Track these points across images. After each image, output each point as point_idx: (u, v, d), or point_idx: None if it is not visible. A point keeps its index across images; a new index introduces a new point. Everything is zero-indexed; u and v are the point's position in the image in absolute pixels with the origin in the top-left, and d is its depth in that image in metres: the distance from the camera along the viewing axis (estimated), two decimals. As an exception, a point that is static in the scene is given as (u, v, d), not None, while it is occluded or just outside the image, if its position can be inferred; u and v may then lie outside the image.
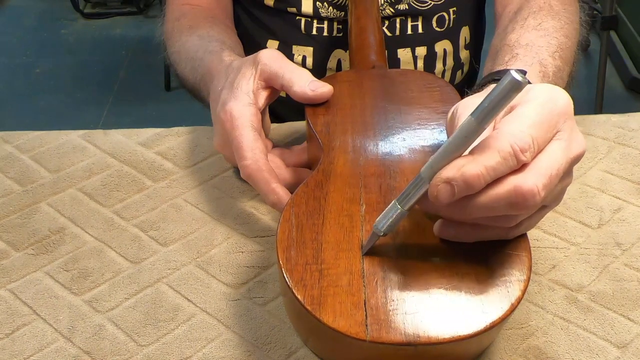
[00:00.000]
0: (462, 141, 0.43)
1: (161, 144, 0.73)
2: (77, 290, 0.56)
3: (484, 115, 0.41)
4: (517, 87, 0.40)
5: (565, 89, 0.66)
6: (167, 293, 0.56)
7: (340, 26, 0.84)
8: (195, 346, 0.52)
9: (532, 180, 0.43)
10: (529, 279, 0.47)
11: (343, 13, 0.83)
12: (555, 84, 0.63)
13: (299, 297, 0.45)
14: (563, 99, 0.46)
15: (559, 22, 0.71)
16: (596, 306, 0.54)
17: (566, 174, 0.46)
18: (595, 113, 1.69)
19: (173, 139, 0.73)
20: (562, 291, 0.56)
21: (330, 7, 0.83)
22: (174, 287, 0.56)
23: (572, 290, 0.56)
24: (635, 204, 0.64)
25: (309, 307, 0.45)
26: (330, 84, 0.64)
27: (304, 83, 0.61)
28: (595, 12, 2.33)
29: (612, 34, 2.45)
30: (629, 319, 0.53)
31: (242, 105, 0.59)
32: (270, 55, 0.62)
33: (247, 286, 0.56)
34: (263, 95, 0.62)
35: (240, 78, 0.61)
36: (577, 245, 0.60)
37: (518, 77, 0.40)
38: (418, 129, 0.59)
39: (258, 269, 0.58)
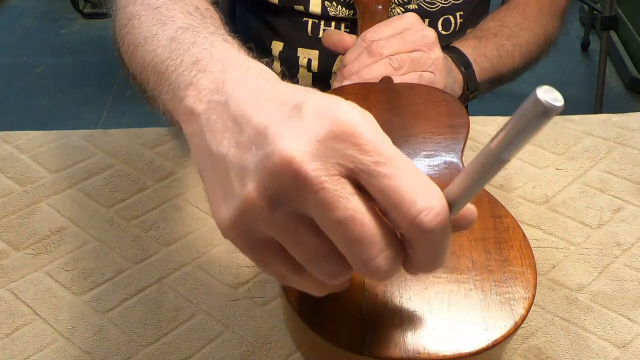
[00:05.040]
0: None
1: (161, 144, 0.73)
2: (77, 290, 0.56)
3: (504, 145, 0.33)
4: (542, 113, 0.30)
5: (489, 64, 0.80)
6: (167, 293, 0.56)
7: (348, 30, 0.83)
8: (195, 346, 0.52)
9: None
10: (533, 297, 0.46)
11: (352, 12, 0.83)
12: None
13: (296, 308, 0.45)
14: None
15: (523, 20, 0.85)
16: (596, 306, 0.54)
17: None
18: (595, 113, 1.69)
19: (173, 139, 0.73)
20: (562, 291, 0.56)
21: (339, 6, 0.83)
22: (174, 287, 0.56)
23: (572, 290, 0.56)
24: (635, 204, 0.64)
25: (306, 319, 0.44)
26: (336, 95, 0.63)
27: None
28: (595, 12, 2.33)
29: (612, 34, 2.45)
30: (629, 319, 0.53)
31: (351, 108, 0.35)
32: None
33: (247, 286, 0.56)
34: None
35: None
36: (577, 245, 0.60)
37: (544, 98, 0.30)
38: (423, 142, 0.59)
39: (258, 269, 0.58)
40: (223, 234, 0.37)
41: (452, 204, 0.35)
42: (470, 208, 0.37)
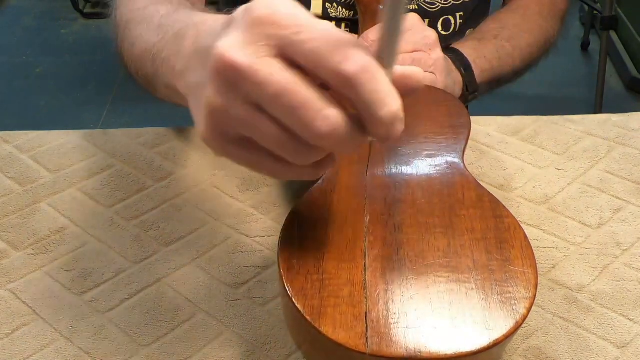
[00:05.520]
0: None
1: (161, 144, 0.73)
2: (77, 290, 0.56)
3: None
4: None
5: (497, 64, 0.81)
6: (167, 293, 0.56)
7: (349, 30, 0.83)
8: (195, 346, 0.52)
9: None
10: (534, 296, 0.46)
11: (352, 13, 0.83)
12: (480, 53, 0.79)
13: (298, 306, 0.45)
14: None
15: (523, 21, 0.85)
16: (596, 306, 0.54)
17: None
18: (595, 113, 1.70)
19: (173, 139, 0.73)
20: (562, 291, 0.56)
21: (340, 7, 0.83)
22: (174, 287, 0.56)
23: (572, 290, 0.56)
24: (635, 204, 0.64)
25: (308, 317, 0.44)
26: None
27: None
28: (595, 12, 2.33)
29: (612, 34, 2.45)
30: (629, 319, 0.53)
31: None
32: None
33: (247, 286, 0.56)
34: None
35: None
36: (577, 245, 0.60)
37: None
38: (425, 142, 0.59)
39: (258, 269, 0.58)
40: (208, 146, 0.42)
41: (382, 56, 0.38)
42: (414, 68, 0.40)
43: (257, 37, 0.36)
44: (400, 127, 0.39)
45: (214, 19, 0.44)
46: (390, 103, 0.37)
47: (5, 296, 0.56)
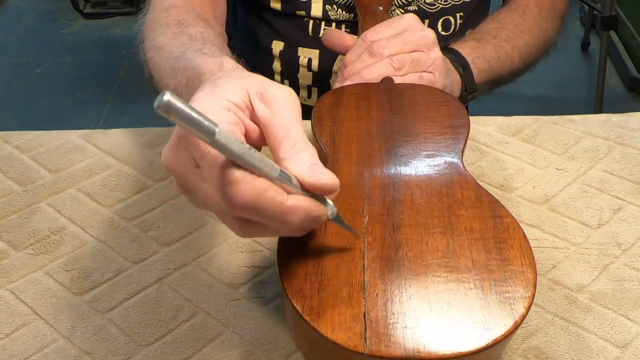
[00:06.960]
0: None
1: (161, 144, 0.73)
2: (77, 290, 0.56)
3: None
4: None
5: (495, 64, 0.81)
6: (167, 293, 0.56)
7: (349, 30, 0.83)
8: (195, 346, 0.52)
9: None
10: (533, 296, 0.46)
11: (352, 15, 0.83)
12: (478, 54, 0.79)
13: (297, 307, 0.45)
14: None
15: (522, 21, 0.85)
16: (596, 306, 0.54)
17: None
18: (595, 113, 1.70)
19: (173, 139, 0.73)
20: (562, 291, 0.56)
21: (340, 9, 0.83)
22: (174, 287, 0.56)
23: (572, 290, 0.56)
24: (635, 204, 0.64)
25: (307, 318, 0.44)
26: (337, 95, 0.63)
27: (303, 163, 0.43)
28: (595, 12, 2.33)
29: (612, 34, 2.45)
30: (629, 319, 0.53)
31: (218, 106, 0.43)
32: (286, 97, 0.45)
33: (247, 286, 0.56)
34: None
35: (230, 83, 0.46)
36: (577, 245, 0.60)
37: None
38: (424, 142, 0.59)
39: (258, 269, 0.58)
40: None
41: (260, 173, 0.39)
42: (320, 180, 0.43)
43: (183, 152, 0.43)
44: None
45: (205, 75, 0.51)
46: (291, 212, 0.41)
47: (5, 296, 0.56)
